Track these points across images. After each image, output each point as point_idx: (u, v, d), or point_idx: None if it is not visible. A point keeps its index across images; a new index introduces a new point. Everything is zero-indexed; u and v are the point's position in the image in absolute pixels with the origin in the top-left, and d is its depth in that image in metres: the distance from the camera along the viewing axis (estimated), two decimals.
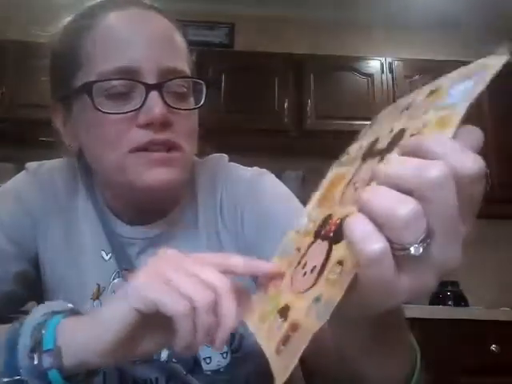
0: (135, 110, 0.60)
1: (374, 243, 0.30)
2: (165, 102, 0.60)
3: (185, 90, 0.65)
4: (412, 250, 0.30)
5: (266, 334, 0.41)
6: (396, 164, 0.32)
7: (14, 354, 0.44)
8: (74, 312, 0.50)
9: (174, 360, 0.66)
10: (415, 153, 0.31)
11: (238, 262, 0.45)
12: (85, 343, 0.44)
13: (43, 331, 0.45)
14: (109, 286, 0.69)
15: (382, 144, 0.40)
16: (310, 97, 2.75)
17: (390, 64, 2.84)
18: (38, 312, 0.48)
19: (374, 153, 0.41)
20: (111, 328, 0.43)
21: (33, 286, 0.70)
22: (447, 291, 2.60)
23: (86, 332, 0.44)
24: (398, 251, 0.30)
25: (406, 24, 3.08)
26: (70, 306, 0.50)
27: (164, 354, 0.66)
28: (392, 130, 0.40)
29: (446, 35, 3.06)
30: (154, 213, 0.70)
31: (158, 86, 0.61)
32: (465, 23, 2.99)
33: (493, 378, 2.16)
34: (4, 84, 2.56)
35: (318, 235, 0.42)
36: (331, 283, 0.35)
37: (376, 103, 2.75)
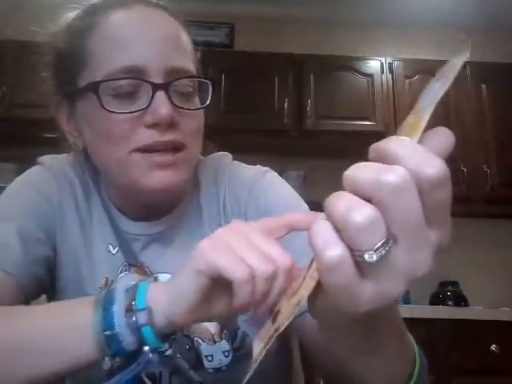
0: (142, 109, 0.60)
1: (332, 250, 0.30)
2: (171, 102, 0.61)
3: (190, 89, 0.65)
4: (366, 256, 0.29)
5: (258, 338, 0.41)
6: (355, 169, 0.31)
7: (110, 312, 0.47)
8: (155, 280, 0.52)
9: (178, 355, 0.67)
10: (378, 157, 0.31)
11: (300, 216, 0.45)
12: (169, 304, 0.46)
13: (135, 294, 0.48)
14: (116, 279, 0.70)
15: None
16: (310, 97, 2.75)
17: (390, 64, 2.84)
18: (125, 280, 0.50)
19: None
20: (184, 290, 0.45)
21: (53, 274, 0.71)
22: (447, 291, 2.60)
23: (168, 294, 0.47)
24: (357, 257, 0.30)
25: (406, 24, 3.08)
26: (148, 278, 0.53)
27: (169, 349, 0.67)
28: None
29: (446, 35, 3.06)
30: (157, 210, 0.71)
31: (164, 86, 0.61)
32: (465, 23, 2.99)
33: (493, 378, 2.16)
34: (4, 84, 2.57)
35: None
36: (309, 286, 0.36)
37: (376, 103, 2.75)
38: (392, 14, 3.03)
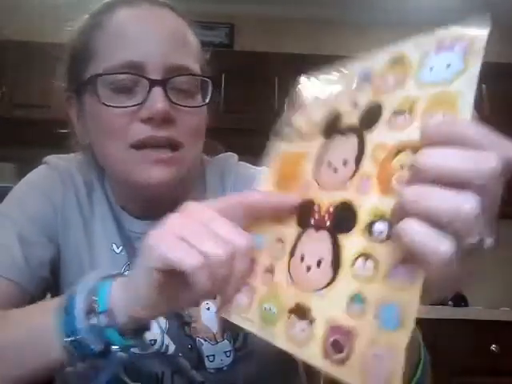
0: (137, 104, 0.61)
1: (445, 246, 0.30)
2: (168, 98, 0.61)
3: (191, 87, 0.65)
4: (488, 242, 0.31)
5: (285, 337, 0.39)
6: (449, 157, 0.30)
7: (71, 316, 0.47)
8: (120, 275, 0.51)
9: (180, 354, 0.67)
10: (450, 141, 0.31)
11: (261, 196, 0.44)
12: (128, 302, 0.46)
13: (97, 295, 0.47)
14: None
15: (351, 119, 0.39)
16: None
17: None
18: (88, 279, 0.50)
19: (342, 129, 0.39)
20: (141, 287, 0.44)
21: (57, 274, 0.71)
22: None
23: (127, 292, 0.46)
24: (468, 245, 0.30)
25: (405, 24, 3.08)
26: (116, 272, 0.52)
27: (171, 348, 0.67)
28: (357, 104, 0.38)
29: None
30: (161, 208, 0.71)
31: (161, 82, 0.61)
32: (464, 23, 2.99)
33: (493, 378, 2.16)
34: (4, 84, 2.57)
35: (304, 224, 0.40)
36: (367, 280, 0.34)
37: None
38: (391, 14, 3.03)
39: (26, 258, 0.65)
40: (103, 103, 0.61)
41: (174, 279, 0.42)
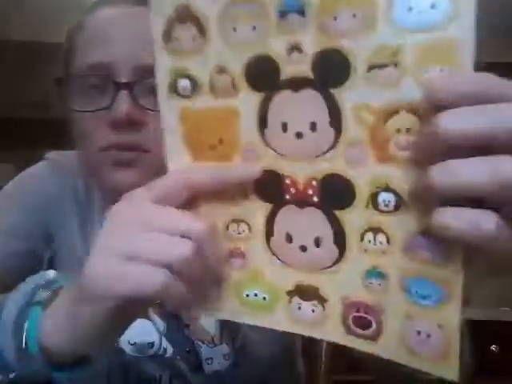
0: (103, 108, 0.59)
1: (489, 223, 0.26)
2: (135, 102, 0.58)
3: None
4: None
5: (290, 320, 0.37)
6: (478, 116, 0.26)
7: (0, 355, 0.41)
8: (56, 289, 0.43)
9: (178, 357, 0.66)
10: (464, 98, 0.26)
11: (204, 175, 0.36)
12: (75, 341, 0.39)
13: (25, 333, 0.40)
14: None
15: (297, 70, 0.31)
16: None
17: None
18: (17, 295, 0.43)
19: (288, 82, 0.32)
20: (92, 327, 0.38)
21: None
22: None
23: (67, 331, 0.39)
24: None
25: None
26: (51, 277, 0.45)
27: (169, 351, 0.66)
28: (298, 49, 0.31)
29: None
30: None
31: (128, 85, 0.58)
32: None
33: (493, 378, 2.16)
34: (4, 84, 2.56)
35: (275, 200, 0.36)
36: (382, 253, 0.32)
37: None
38: None
39: (5, 245, 0.64)
40: (72, 108, 0.60)
41: (131, 303, 0.35)
